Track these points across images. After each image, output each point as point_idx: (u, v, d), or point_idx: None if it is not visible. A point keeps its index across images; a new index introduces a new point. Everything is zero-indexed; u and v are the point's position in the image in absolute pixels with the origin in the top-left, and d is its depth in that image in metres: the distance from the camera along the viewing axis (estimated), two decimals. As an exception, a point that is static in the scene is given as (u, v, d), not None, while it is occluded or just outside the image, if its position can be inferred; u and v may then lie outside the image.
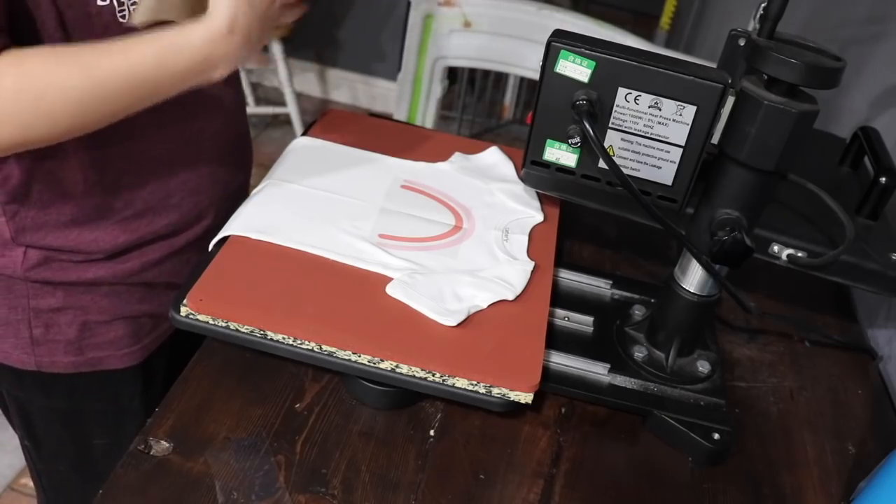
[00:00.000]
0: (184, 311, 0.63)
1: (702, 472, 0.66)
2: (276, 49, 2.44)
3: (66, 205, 0.73)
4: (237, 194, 0.88)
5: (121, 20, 0.65)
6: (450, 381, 0.62)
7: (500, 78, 2.65)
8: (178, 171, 0.79)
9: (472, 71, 2.50)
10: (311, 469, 0.60)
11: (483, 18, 1.69)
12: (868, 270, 0.71)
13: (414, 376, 0.62)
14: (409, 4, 1.73)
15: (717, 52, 0.72)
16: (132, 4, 0.65)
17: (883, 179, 0.75)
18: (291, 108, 2.58)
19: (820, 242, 0.71)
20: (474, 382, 0.62)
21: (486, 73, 2.52)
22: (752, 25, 0.64)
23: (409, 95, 1.78)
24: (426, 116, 1.84)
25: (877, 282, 0.72)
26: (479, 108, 2.64)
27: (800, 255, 0.70)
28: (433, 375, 0.62)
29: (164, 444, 0.60)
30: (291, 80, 2.53)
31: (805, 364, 0.80)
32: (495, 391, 0.62)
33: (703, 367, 0.71)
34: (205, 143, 0.80)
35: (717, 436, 0.66)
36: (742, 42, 0.69)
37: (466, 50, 1.75)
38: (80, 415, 0.87)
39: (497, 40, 1.64)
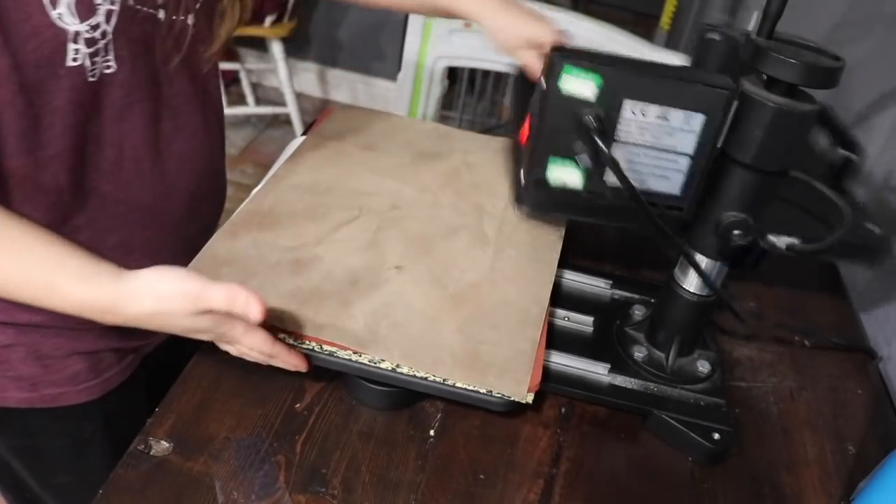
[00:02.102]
0: None
1: (702, 472, 0.66)
2: (277, 49, 2.44)
3: None
4: (203, 238, 0.81)
5: (90, 78, 0.62)
6: (450, 381, 0.62)
7: (500, 78, 2.65)
8: (143, 229, 0.74)
9: (472, 71, 2.50)
10: (311, 469, 0.60)
11: (483, 18, 1.69)
12: (851, 244, 0.71)
13: (414, 376, 0.62)
14: (409, 4, 1.72)
15: (717, 52, 0.72)
16: (105, 65, 0.62)
17: (845, 151, 0.74)
18: (291, 108, 2.58)
19: (812, 228, 0.70)
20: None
21: (486, 73, 2.52)
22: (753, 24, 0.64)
23: (409, 95, 1.78)
24: (426, 116, 1.84)
25: (858, 254, 0.72)
26: (479, 108, 2.64)
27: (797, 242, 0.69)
28: (433, 375, 0.62)
29: (164, 444, 0.60)
30: (291, 80, 2.53)
31: (805, 364, 0.80)
32: (496, 391, 0.62)
33: (703, 366, 0.71)
34: (174, 198, 0.76)
35: (717, 435, 0.66)
36: (716, 37, 0.68)
37: (466, 50, 1.75)
38: (39, 451, 0.82)
39: (497, 40, 1.63)
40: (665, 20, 2.84)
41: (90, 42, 0.60)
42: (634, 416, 0.70)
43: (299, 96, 2.71)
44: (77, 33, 0.59)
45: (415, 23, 1.74)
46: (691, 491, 0.65)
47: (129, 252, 0.73)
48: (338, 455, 0.62)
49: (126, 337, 0.80)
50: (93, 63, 0.61)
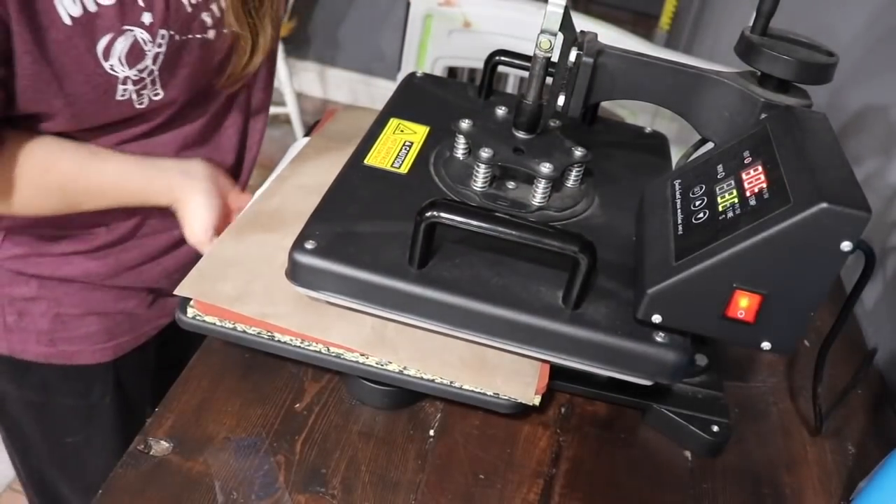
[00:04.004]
0: (191, 312, 0.63)
1: (702, 472, 0.66)
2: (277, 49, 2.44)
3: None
4: None
5: (138, 107, 0.68)
6: (457, 383, 0.62)
7: (501, 78, 2.65)
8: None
9: (472, 71, 2.50)
10: (310, 469, 0.60)
11: (483, 18, 1.69)
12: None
13: (422, 378, 0.62)
14: (408, 4, 1.73)
15: (717, 52, 0.72)
16: (154, 95, 0.68)
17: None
18: (291, 108, 2.59)
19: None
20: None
21: (486, 73, 2.52)
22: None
23: (409, 95, 1.78)
24: (426, 116, 1.84)
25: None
26: (478, 108, 2.64)
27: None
28: (441, 378, 0.62)
29: (164, 444, 0.60)
30: (291, 79, 2.54)
31: (805, 364, 0.80)
32: (503, 394, 0.62)
33: (701, 360, 0.72)
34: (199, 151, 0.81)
35: (716, 428, 0.67)
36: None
37: (466, 50, 1.75)
38: (52, 409, 0.87)
39: (497, 40, 1.64)
40: (665, 20, 2.85)
41: (137, 82, 0.66)
42: (634, 416, 0.70)
43: (299, 96, 2.71)
44: (126, 77, 0.65)
45: (415, 23, 1.74)
46: (691, 491, 0.65)
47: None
48: (338, 455, 0.62)
49: (141, 304, 0.86)
50: (139, 95, 0.67)
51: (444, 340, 0.63)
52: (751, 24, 0.64)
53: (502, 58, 0.82)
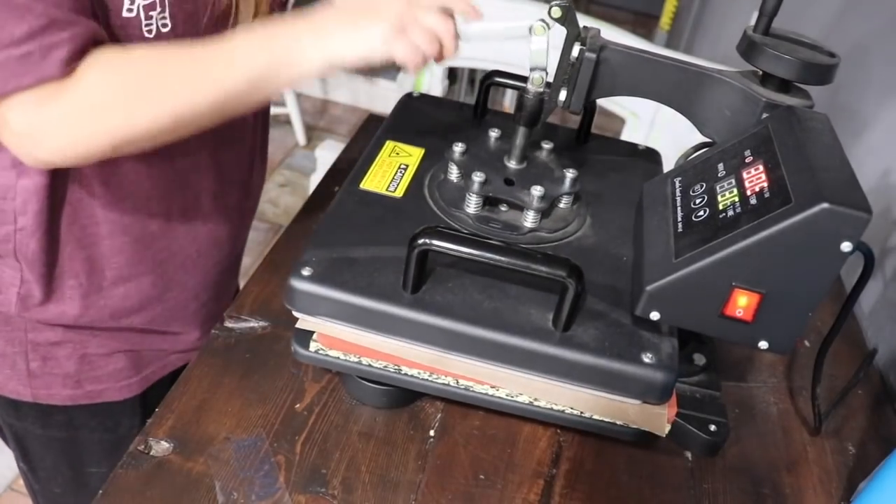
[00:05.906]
0: (313, 346, 0.62)
1: (702, 472, 0.66)
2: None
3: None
4: (233, 247, 0.86)
5: (146, 34, 0.62)
6: (587, 414, 0.62)
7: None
8: (173, 238, 0.77)
9: (472, 71, 2.50)
10: (311, 469, 0.60)
11: (483, 18, 1.69)
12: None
13: (552, 409, 0.63)
14: (409, 4, 1.72)
15: (717, 52, 0.72)
16: (161, 22, 0.62)
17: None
18: (291, 108, 2.58)
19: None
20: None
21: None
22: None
23: (409, 95, 1.78)
24: (426, 116, 1.84)
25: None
26: (478, 108, 2.64)
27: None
28: (572, 408, 0.62)
29: (164, 444, 0.60)
30: (291, 80, 2.53)
31: (805, 364, 0.80)
32: (637, 426, 0.62)
33: (699, 359, 0.72)
34: (203, 201, 0.78)
35: (713, 427, 0.67)
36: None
37: (466, 50, 1.75)
38: (77, 443, 0.85)
39: (497, 41, 1.64)
40: (665, 20, 2.85)
41: None
42: (634, 416, 0.70)
43: (299, 96, 2.71)
44: None
45: (415, 23, 1.74)
46: (691, 491, 0.65)
47: (155, 261, 0.77)
48: (338, 455, 0.62)
49: (165, 340, 0.83)
50: (148, 17, 0.61)
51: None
52: (753, 23, 0.64)
53: (497, 79, 0.82)
